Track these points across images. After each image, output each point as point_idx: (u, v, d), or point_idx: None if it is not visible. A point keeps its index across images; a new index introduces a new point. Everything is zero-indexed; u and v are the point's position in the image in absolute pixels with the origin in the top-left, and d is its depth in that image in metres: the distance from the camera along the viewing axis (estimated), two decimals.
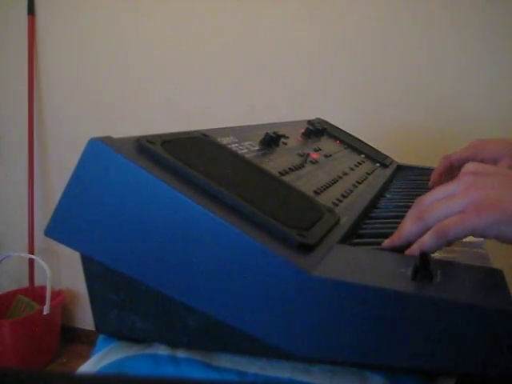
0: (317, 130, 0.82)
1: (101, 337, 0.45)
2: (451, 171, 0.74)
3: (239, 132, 0.60)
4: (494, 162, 0.66)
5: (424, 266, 0.36)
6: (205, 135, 0.51)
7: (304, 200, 0.49)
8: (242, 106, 1.63)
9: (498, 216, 0.38)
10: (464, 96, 1.41)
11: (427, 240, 0.40)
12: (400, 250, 0.43)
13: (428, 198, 0.45)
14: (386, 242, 0.45)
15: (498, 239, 0.39)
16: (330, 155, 0.75)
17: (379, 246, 0.45)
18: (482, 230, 0.38)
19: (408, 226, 0.43)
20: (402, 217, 0.59)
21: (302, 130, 0.79)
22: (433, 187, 0.74)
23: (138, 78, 1.76)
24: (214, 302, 0.38)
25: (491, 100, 1.39)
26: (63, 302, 1.88)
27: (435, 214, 0.41)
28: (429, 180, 0.78)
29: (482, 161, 0.68)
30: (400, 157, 1.03)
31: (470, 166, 0.46)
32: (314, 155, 0.70)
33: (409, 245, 0.43)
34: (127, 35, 1.75)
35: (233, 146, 0.54)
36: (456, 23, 1.39)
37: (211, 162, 0.46)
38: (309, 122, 0.88)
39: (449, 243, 0.41)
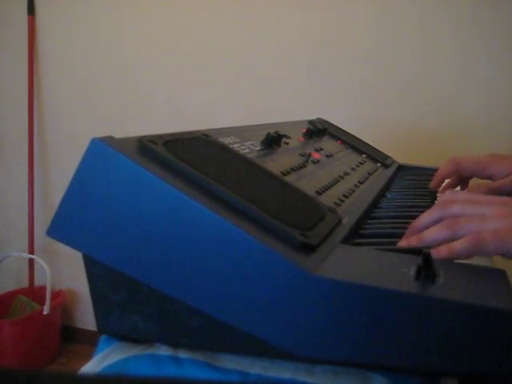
0: (318, 130, 0.82)
1: (103, 337, 0.45)
2: (456, 175, 0.74)
3: (241, 132, 0.60)
4: (503, 177, 0.66)
5: (427, 267, 0.36)
6: (206, 135, 0.51)
7: (306, 200, 0.48)
8: (243, 106, 1.63)
9: None
10: (463, 96, 1.41)
11: (460, 246, 0.40)
12: (415, 251, 0.43)
13: (457, 209, 0.45)
14: (403, 243, 0.45)
15: None
16: (332, 155, 0.75)
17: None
18: None
19: (435, 233, 0.43)
20: (404, 217, 0.59)
21: (304, 130, 0.79)
22: (435, 189, 0.74)
23: (139, 78, 1.76)
24: (216, 302, 0.37)
25: (490, 100, 1.39)
26: (63, 302, 1.88)
27: (467, 227, 0.42)
28: (430, 179, 0.78)
29: (490, 176, 0.69)
30: (401, 157, 1.03)
31: (493, 198, 0.46)
32: (316, 155, 0.70)
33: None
34: (127, 35, 1.75)
35: (234, 145, 0.54)
36: (455, 23, 1.39)
37: (213, 162, 0.45)
38: (310, 121, 0.88)
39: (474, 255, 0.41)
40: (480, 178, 0.71)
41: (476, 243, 0.40)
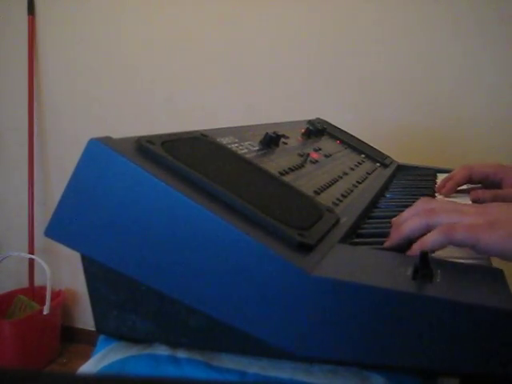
0: (317, 130, 0.82)
1: (101, 337, 0.45)
2: (469, 182, 0.74)
3: (239, 132, 0.60)
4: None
5: (424, 266, 0.36)
6: (204, 135, 0.51)
7: (304, 200, 0.49)
8: (242, 106, 1.63)
9: (508, 233, 0.39)
10: (464, 96, 1.41)
11: (431, 237, 0.41)
12: (401, 249, 0.43)
13: (435, 204, 0.45)
14: (386, 243, 0.45)
15: (501, 257, 0.40)
16: (330, 155, 0.75)
17: (379, 246, 0.45)
18: (488, 243, 0.39)
19: (411, 223, 0.43)
20: None
21: (302, 130, 0.79)
22: (441, 192, 0.74)
23: (138, 78, 1.76)
24: (214, 301, 0.38)
25: (491, 100, 1.39)
26: (63, 302, 1.88)
27: (443, 218, 0.42)
28: (429, 179, 0.78)
29: (500, 180, 0.70)
30: (400, 156, 1.03)
31: (477, 204, 0.47)
32: (314, 155, 0.70)
33: (409, 245, 0.43)
34: (127, 35, 1.75)
35: (233, 145, 0.54)
36: (455, 23, 1.39)
37: (211, 162, 0.46)
38: (309, 121, 0.88)
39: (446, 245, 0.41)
40: (490, 181, 0.72)
41: (448, 233, 0.40)
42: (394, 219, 0.48)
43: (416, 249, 0.41)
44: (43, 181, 1.94)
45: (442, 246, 0.41)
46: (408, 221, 0.44)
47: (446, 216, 0.42)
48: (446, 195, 0.73)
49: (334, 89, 1.53)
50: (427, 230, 0.42)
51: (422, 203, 0.46)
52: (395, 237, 0.44)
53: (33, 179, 1.88)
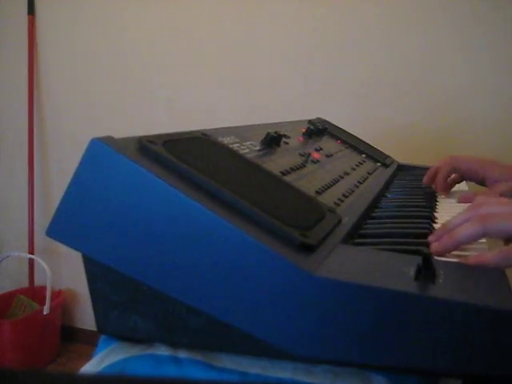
0: (318, 130, 0.82)
1: (102, 337, 0.45)
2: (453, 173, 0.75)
3: (240, 132, 0.60)
4: (494, 182, 0.68)
5: (427, 267, 0.36)
6: (206, 135, 0.51)
7: (306, 200, 0.48)
8: (243, 105, 1.63)
9: None
10: (464, 96, 1.41)
11: (491, 259, 0.40)
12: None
13: (487, 208, 0.44)
14: (436, 245, 0.44)
15: None
16: (331, 155, 0.75)
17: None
18: None
19: (466, 228, 0.43)
20: (404, 216, 0.59)
21: (303, 130, 0.79)
22: (436, 189, 0.74)
23: (138, 78, 1.76)
24: (215, 302, 0.37)
25: (491, 100, 1.38)
26: (63, 302, 1.88)
27: (497, 224, 0.42)
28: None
29: (483, 178, 0.71)
30: (401, 156, 1.03)
31: None
32: (316, 155, 0.70)
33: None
34: (127, 35, 1.75)
35: (234, 145, 0.54)
36: (456, 23, 1.39)
37: (213, 162, 0.45)
38: (310, 121, 0.88)
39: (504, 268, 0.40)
40: (473, 177, 0.73)
41: (507, 257, 0.39)
42: (444, 222, 0.47)
43: (473, 262, 0.40)
44: (43, 181, 1.94)
45: (501, 268, 0.40)
46: (463, 226, 0.43)
47: (501, 220, 0.42)
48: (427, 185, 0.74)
49: (335, 89, 1.53)
50: (481, 236, 0.42)
51: (473, 208, 0.45)
52: (448, 242, 0.43)
53: (33, 179, 1.88)
